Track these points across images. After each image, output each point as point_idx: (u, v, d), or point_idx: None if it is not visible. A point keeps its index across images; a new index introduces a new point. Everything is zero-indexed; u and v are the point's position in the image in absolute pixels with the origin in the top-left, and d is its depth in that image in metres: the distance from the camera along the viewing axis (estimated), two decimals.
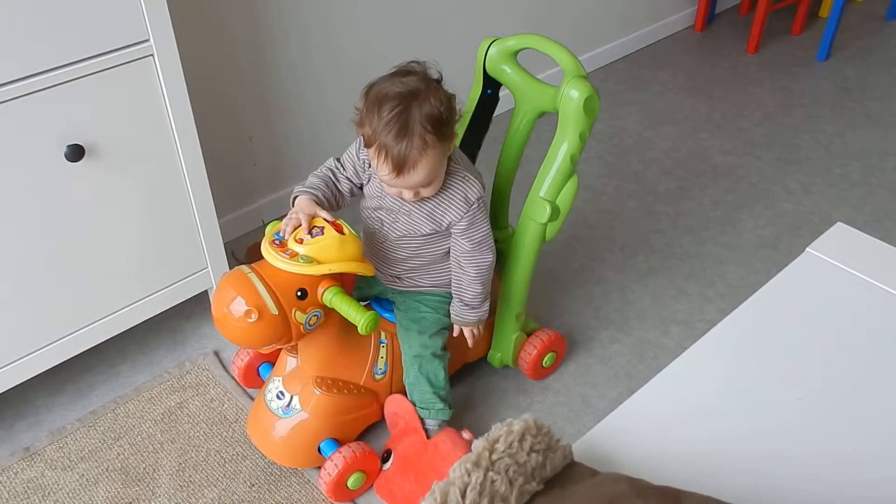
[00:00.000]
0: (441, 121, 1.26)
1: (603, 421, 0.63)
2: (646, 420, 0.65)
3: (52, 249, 1.45)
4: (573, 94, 1.38)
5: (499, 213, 1.68)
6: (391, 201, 1.40)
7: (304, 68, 2.04)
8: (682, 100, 2.77)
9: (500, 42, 1.51)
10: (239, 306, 1.26)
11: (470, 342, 1.52)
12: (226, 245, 1.77)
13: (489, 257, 1.44)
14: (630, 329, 1.84)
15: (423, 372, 1.46)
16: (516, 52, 1.52)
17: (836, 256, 0.76)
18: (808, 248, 0.78)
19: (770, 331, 0.75)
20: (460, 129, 1.61)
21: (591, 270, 2.02)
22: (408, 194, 1.32)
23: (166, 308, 1.69)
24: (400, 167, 1.25)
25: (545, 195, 1.46)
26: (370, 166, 1.41)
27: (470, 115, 1.60)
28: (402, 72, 1.30)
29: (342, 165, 1.43)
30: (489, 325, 1.65)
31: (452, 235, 1.43)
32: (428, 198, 1.36)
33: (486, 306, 1.49)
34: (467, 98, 1.58)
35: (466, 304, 1.47)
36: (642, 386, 1.71)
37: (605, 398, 1.67)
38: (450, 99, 1.30)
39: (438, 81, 1.31)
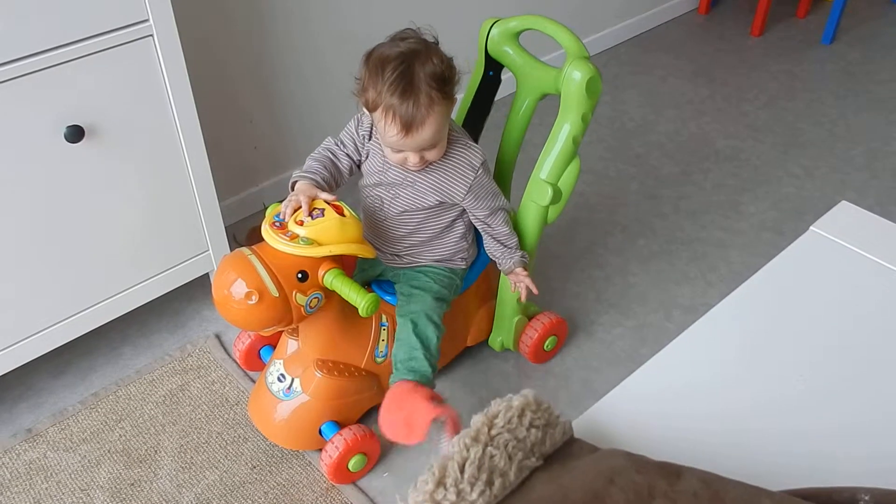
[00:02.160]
0: (444, 78, 1.27)
1: (603, 399, 0.62)
2: (647, 398, 0.65)
3: (52, 231, 1.45)
4: (575, 76, 1.37)
5: None
6: (394, 175, 1.40)
7: (305, 50, 2.03)
8: (685, 83, 2.76)
9: (502, 23, 1.50)
10: (239, 288, 1.26)
11: (534, 289, 1.50)
12: (227, 228, 1.76)
13: (508, 206, 1.48)
14: (632, 313, 1.84)
15: (416, 332, 1.41)
16: (518, 34, 1.51)
17: (841, 235, 0.76)
18: (811, 227, 0.78)
19: (773, 309, 0.74)
20: (461, 110, 1.61)
21: (592, 254, 2.01)
22: (413, 158, 1.32)
23: (167, 291, 1.69)
24: (408, 126, 1.25)
25: (547, 177, 1.45)
26: (370, 140, 1.41)
27: (471, 97, 1.59)
28: (399, 37, 1.31)
29: (342, 142, 1.43)
30: (490, 309, 1.65)
31: (467, 209, 1.45)
32: (432, 164, 1.36)
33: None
34: (469, 78, 1.58)
35: (515, 249, 1.49)
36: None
37: (607, 382, 1.67)
38: (449, 59, 1.31)
39: (435, 44, 1.32)
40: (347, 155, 1.43)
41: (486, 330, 1.67)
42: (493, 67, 1.56)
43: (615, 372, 1.69)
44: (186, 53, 1.46)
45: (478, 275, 1.60)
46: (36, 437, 1.55)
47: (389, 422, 1.34)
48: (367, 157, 1.43)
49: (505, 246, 1.48)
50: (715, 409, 0.64)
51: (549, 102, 1.55)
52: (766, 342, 0.71)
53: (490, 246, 1.50)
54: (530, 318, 1.66)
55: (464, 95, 1.59)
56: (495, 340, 1.67)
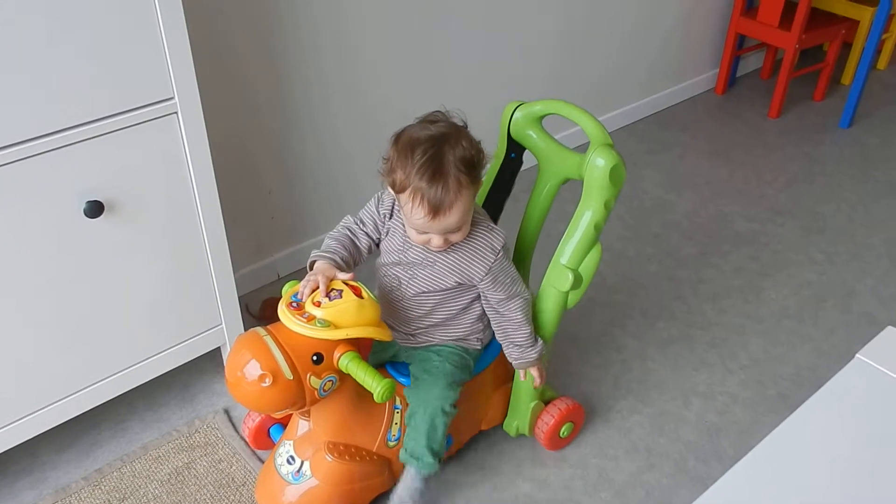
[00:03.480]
0: (472, 163, 1.27)
1: None
2: None
3: (66, 305, 1.43)
4: (599, 163, 1.36)
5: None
6: (414, 254, 1.38)
7: (325, 125, 2.04)
8: (703, 163, 2.76)
9: (526, 107, 1.50)
10: (253, 370, 1.23)
11: (538, 381, 1.51)
12: (240, 298, 1.74)
13: (526, 295, 1.44)
14: (650, 399, 1.79)
15: (425, 423, 1.40)
16: (541, 118, 1.51)
17: (887, 363, 0.73)
18: (857, 355, 0.75)
19: (822, 445, 0.70)
20: (483, 190, 1.60)
21: (610, 336, 1.98)
22: (437, 240, 1.31)
23: (178, 364, 1.66)
24: (436, 210, 1.24)
25: (568, 263, 1.43)
26: (391, 218, 1.40)
27: (493, 178, 1.58)
28: (429, 119, 1.31)
29: (361, 221, 1.43)
30: (506, 392, 1.61)
31: (482, 291, 1.42)
32: (454, 245, 1.35)
33: (540, 341, 1.47)
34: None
35: (520, 346, 1.45)
36: (660, 461, 1.64)
37: (623, 472, 1.62)
38: (478, 143, 1.31)
39: (464, 127, 1.32)
40: (367, 234, 1.42)
41: (501, 414, 1.63)
42: (515, 149, 1.56)
43: (632, 461, 1.64)
44: (208, 127, 1.46)
45: (493, 357, 1.57)
46: None
47: None
48: (387, 234, 1.42)
49: (513, 343, 1.45)
50: None
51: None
52: (817, 482, 0.67)
53: (501, 341, 1.47)
54: (547, 403, 1.62)
55: (485, 177, 1.59)
56: (510, 425, 1.63)
